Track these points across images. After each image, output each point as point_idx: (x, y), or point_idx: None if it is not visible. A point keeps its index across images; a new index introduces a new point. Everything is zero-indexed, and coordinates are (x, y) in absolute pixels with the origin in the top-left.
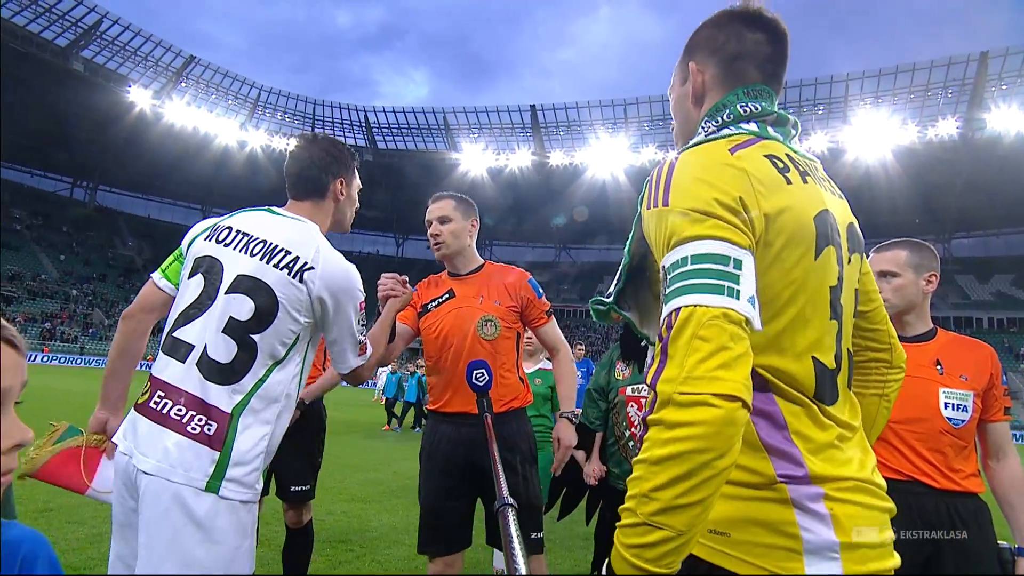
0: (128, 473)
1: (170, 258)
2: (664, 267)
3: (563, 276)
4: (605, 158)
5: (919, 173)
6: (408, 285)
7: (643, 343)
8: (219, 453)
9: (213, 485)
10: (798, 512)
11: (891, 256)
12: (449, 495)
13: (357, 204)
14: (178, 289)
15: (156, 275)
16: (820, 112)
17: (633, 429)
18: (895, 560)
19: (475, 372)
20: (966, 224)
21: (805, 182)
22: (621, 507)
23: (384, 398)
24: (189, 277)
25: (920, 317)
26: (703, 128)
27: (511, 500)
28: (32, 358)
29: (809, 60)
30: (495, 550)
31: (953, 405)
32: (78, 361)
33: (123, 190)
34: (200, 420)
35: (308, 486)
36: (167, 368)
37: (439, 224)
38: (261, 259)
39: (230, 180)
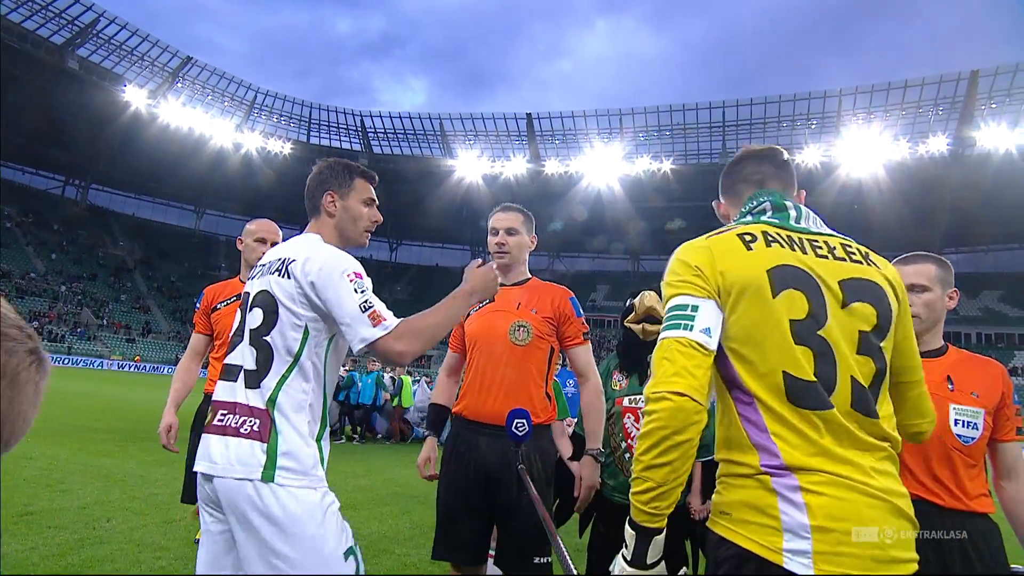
0: (206, 486)
1: None
2: (664, 317)
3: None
4: (600, 167)
5: (910, 189)
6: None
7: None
8: (267, 444)
9: (267, 475)
10: (780, 499)
11: (920, 269)
12: (468, 511)
13: (367, 218)
14: None
15: None
16: (813, 127)
17: (630, 441)
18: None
19: (516, 421)
20: (955, 240)
21: (769, 246)
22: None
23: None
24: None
25: (935, 334)
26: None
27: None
28: None
29: (802, 75)
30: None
31: (963, 422)
32: (65, 361)
33: (116, 190)
34: (248, 421)
35: None
36: (223, 390)
37: (506, 235)
38: (266, 275)
39: (224, 182)
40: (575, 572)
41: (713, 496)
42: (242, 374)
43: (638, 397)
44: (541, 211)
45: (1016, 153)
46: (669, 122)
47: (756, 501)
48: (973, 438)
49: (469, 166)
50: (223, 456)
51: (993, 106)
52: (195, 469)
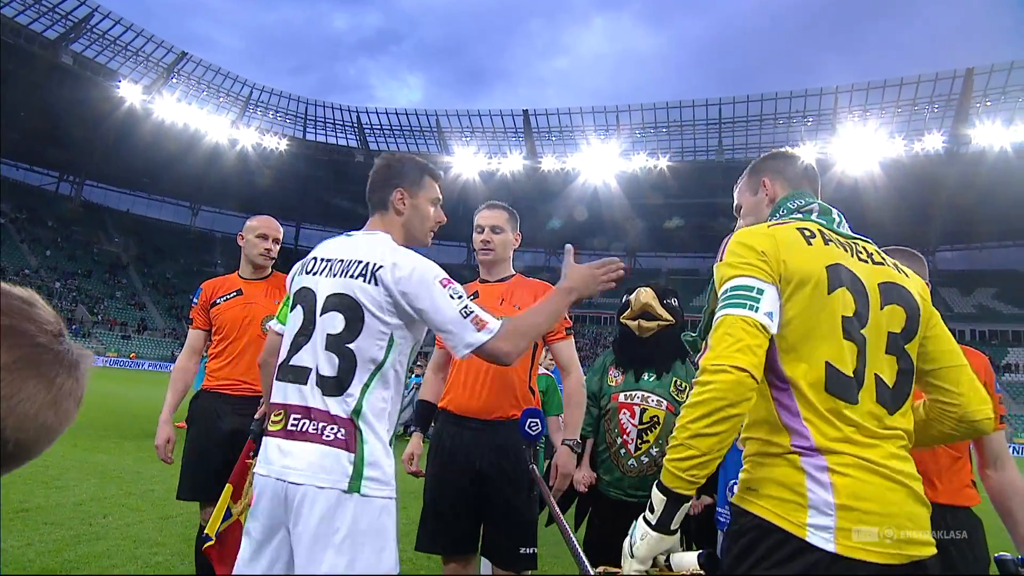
0: (275, 492)
1: (281, 305)
2: (720, 296)
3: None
4: (596, 164)
5: (905, 186)
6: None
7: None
8: (355, 455)
9: (355, 485)
10: (807, 478)
11: None
12: (455, 504)
13: (433, 219)
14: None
15: (272, 323)
16: (809, 124)
17: (625, 436)
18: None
19: (529, 421)
20: (950, 237)
21: (827, 245)
22: (671, 438)
23: None
24: (291, 311)
25: None
26: (769, 219)
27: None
28: None
29: (799, 72)
30: (483, 559)
31: None
32: None
33: (110, 186)
34: (332, 428)
35: None
36: (291, 393)
37: (491, 232)
38: (342, 276)
39: (220, 178)
40: (591, 572)
41: (740, 474)
42: (314, 378)
43: (633, 393)
44: (537, 208)
45: (1011, 151)
46: (666, 119)
47: (784, 479)
48: None
49: (465, 163)
50: (304, 462)
51: (988, 104)
52: (259, 471)
